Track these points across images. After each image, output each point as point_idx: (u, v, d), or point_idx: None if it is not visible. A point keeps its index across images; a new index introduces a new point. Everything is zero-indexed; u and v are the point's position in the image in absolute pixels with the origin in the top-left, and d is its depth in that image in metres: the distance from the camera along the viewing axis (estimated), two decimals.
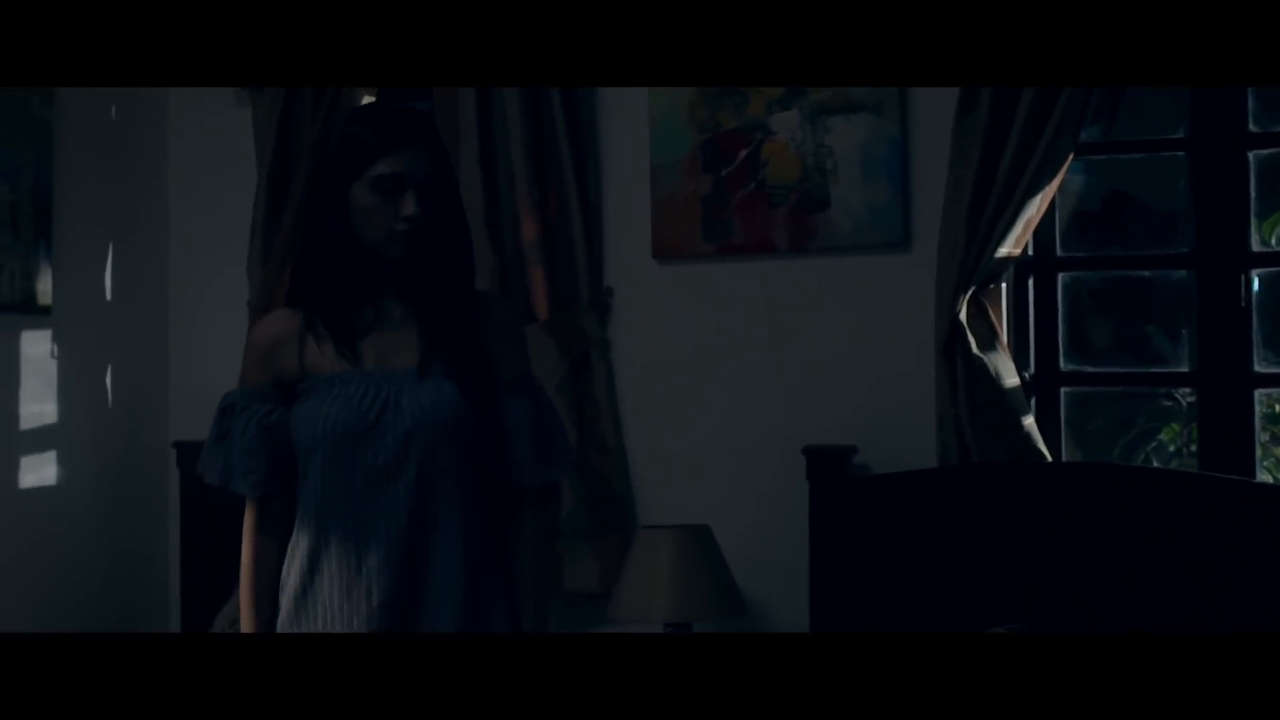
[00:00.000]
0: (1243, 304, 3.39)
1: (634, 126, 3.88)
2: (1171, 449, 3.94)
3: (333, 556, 2.42)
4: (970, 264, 3.38)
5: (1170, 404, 3.85)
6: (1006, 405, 3.38)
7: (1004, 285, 3.53)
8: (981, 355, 3.39)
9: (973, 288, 3.40)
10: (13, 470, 4.01)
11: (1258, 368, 3.41)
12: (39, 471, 4.09)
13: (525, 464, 2.48)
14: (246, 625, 2.53)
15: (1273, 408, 3.89)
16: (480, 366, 2.46)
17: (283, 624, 2.48)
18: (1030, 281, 3.60)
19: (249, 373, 2.54)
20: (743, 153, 3.74)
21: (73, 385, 4.20)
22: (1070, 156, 3.36)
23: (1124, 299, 3.90)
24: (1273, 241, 3.70)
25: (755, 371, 3.77)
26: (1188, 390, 3.62)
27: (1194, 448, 3.63)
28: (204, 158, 4.51)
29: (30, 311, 3.99)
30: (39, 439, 4.10)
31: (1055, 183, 3.37)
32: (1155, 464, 3.77)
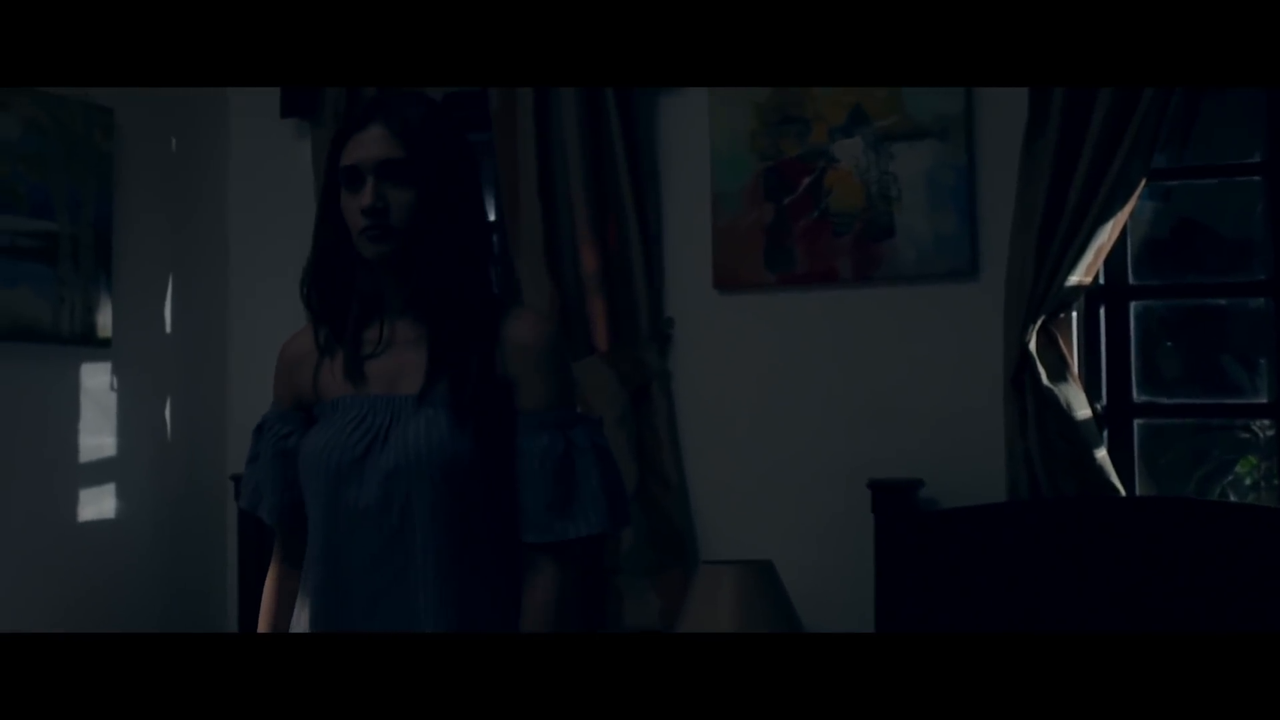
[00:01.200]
0: None
1: (695, 155, 3.83)
2: (1248, 482, 3.84)
3: (316, 607, 2.19)
4: (1040, 293, 3.30)
5: (1247, 436, 3.75)
6: (1078, 438, 3.30)
7: (1074, 314, 3.44)
8: (1052, 386, 3.31)
9: (1042, 317, 3.32)
10: (72, 504, 4.00)
11: None
12: (98, 505, 4.08)
13: (535, 515, 2.12)
14: None
15: None
16: (490, 395, 2.13)
17: None
18: (1102, 311, 3.51)
19: (277, 391, 2.37)
20: (805, 180, 3.68)
21: (132, 418, 4.20)
22: (1143, 182, 3.28)
23: (1196, 329, 3.81)
24: None
25: (819, 403, 3.70)
26: (1266, 422, 3.52)
27: (1274, 481, 3.53)
28: (263, 189, 4.52)
29: (90, 344, 3.99)
30: (98, 472, 4.10)
31: (1127, 209, 3.29)
32: (1232, 498, 3.66)
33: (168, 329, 4.37)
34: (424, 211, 2.13)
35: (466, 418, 2.11)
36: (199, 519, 4.42)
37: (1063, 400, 3.30)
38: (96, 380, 4.07)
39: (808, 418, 3.71)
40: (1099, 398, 3.49)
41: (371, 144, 2.13)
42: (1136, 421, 3.50)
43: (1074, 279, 3.29)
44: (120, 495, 4.15)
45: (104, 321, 4.03)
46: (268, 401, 4.45)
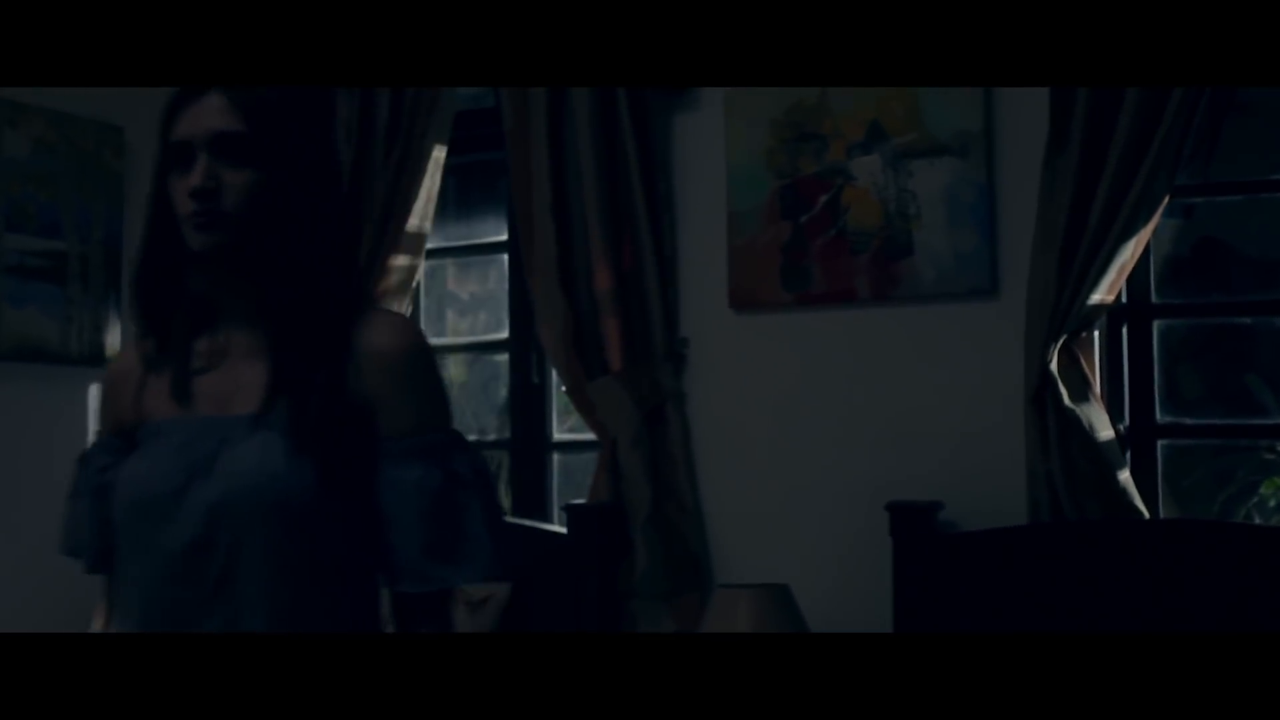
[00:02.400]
0: None
1: (711, 173, 3.79)
2: (1273, 504, 3.77)
3: None
4: (1061, 312, 3.25)
5: (1272, 457, 3.69)
6: (1101, 459, 3.24)
7: (1096, 334, 3.39)
8: (1074, 407, 3.25)
9: (1064, 336, 3.26)
10: None
11: None
12: None
13: (409, 561, 1.78)
14: None
15: None
16: (340, 416, 1.77)
17: None
18: (1124, 330, 3.46)
19: (101, 416, 1.99)
20: (823, 198, 3.63)
21: None
22: (1166, 199, 3.22)
23: (1218, 349, 3.75)
24: None
25: (837, 424, 3.65)
26: None
27: None
28: None
29: (99, 364, 3.95)
30: None
31: (1150, 226, 3.23)
32: (1258, 520, 3.60)
33: None
34: (264, 196, 1.78)
35: (308, 443, 1.75)
36: None
37: (1085, 421, 3.25)
38: None
39: (825, 439, 3.66)
40: (1121, 418, 3.44)
41: (206, 115, 1.78)
42: (1160, 442, 3.44)
43: (1096, 297, 3.24)
44: None
45: (113, 341, 4.00)
46: None
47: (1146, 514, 3.26)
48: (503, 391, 4.39)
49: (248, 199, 1.77)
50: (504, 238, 4.28)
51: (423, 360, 1.85)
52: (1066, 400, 3.25)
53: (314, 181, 1.82)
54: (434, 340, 4.42)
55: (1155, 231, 3.30)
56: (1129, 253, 3.23)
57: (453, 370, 4.62)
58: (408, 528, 1.77)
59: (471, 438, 4.39)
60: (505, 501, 4.36)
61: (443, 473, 1.79)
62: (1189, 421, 3.50)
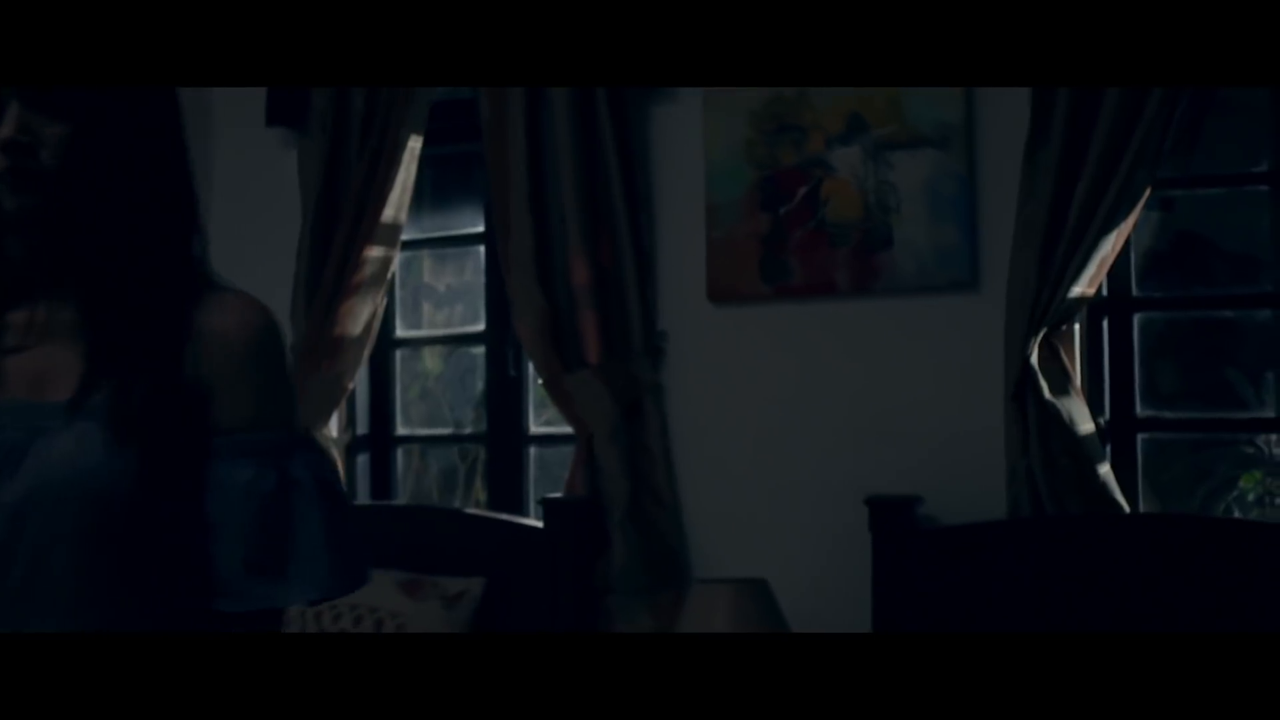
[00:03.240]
0: None
1: (689, 164, 3.76)
2: (1252, 498, 3.76)
3: None
4: (1042, 305, 3.23)
5: (1252, 451, 3.67)
6: (1081, 453, 3.22)
7: (1077, 327, 3.37)
8: (1054, 400, 3.23)
9: (1045, 330, 3.25)
10: None
11: None
12: None
13: (229, 575, 1.53)
14: None
15: None
16: (171, 405, 1.54)
17: None
18: (1105, 323, 3.44)
19: None
20: (802, 190, 3.60)
21: None
22: (1147, 192, 3.21)
23: (1196, 343, 3.73)
24: None
25: (816, 418, 3.62)
26: (1273, 437, 3.46)
27: (1278, 500, 3.46)
28: (247, 200, 4.44)
29: None
30: None
31: (1131, 219, 3.22)
32: (1237, 514, 3.59)
33: None
34: (87, 153, 1.55)
35: (131, 435, 1.51)
36: None
37: (1065, 414, 3.23)
38: None
39: (804, 432, 3.63)
40: (1101, 412, 3.42)
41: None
42: (1140, 436, 3.43)
43: (1077, 290, 3.22)
44: None
45: None
46: None
47: (1126, 508, 3.25)
48: (479, 384, 4.35)
49: (66, 154, 1.54)
50: (481, 230, 4.25)
51: (268, 347, 1.61)
52: (1047, 394, 3.23)
53: (141, 136, 1.61)
54: (410, 333, 4.45)
55: (1135, 225, 3.28)
56: (1110, 246, 3.21)
57: (429, 362, 4.59)
58: (230, 536, 1.53)
59: (447, 431, 4.44)
60: (481, 495, 4.33)
61: (278, 475, 1.55)
62: (1169, 415, 3.48)
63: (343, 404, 4.21)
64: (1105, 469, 3.25)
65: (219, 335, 1.58)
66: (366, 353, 4.19)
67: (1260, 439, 3.57)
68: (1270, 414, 3.42)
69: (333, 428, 4.21)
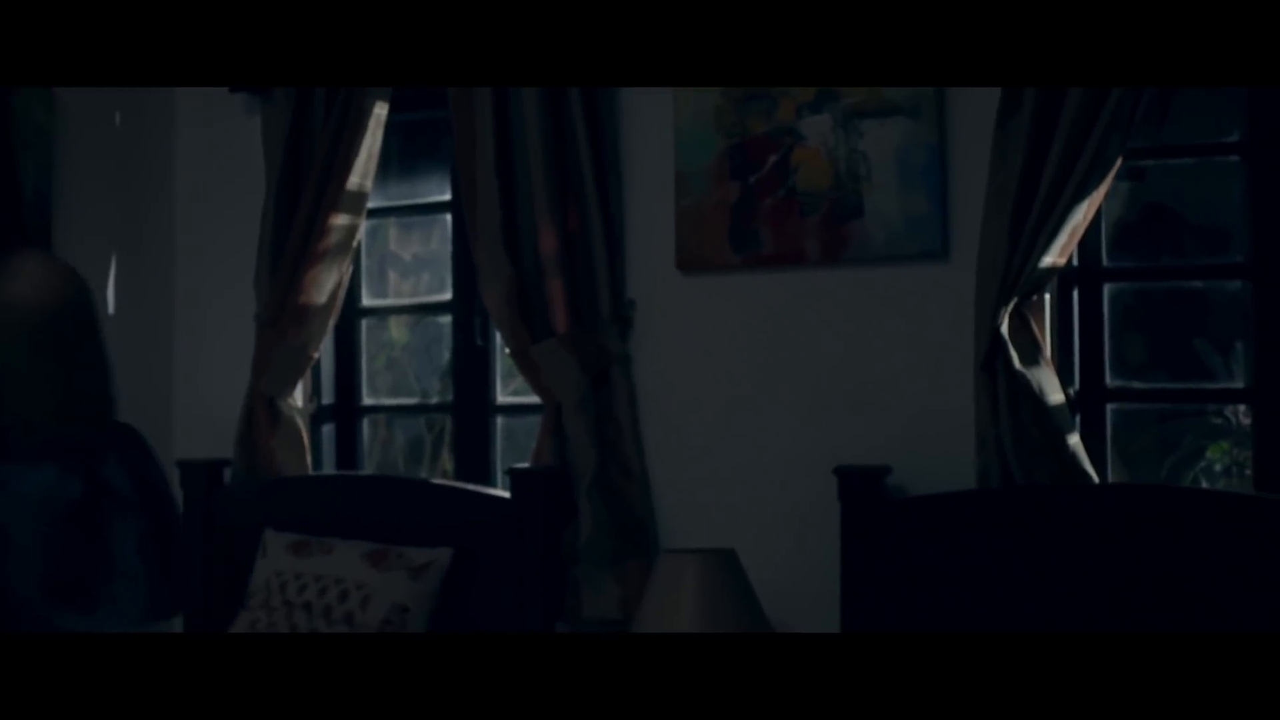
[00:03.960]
0: None
1: (658, 132, 3.73)
2: (1218, 468, 3.76)
3: None
4: (1013, 275, 3.21)
5: (1220, 421, 3.67)
6: (1051, 423, 3.21)
7: (1047, 297, 3.36)
8: (1024, 370, 3.22)
9: (1015, 299, 3.23)
10: None
11: None
12: None
13: (22, 598, 1.30)
14: None
15: None
16: None
17: None
18: (1075, 293, 3.43)
19: None
20: (772, 159, 3.57)
21: None
22: (1119, 161, 3.19)
23: (1164, 314, 3.73)
24: None
25: (785, 388, 3.60)
26: (1242, 407, 3.45)
27: (1247, 470, 3.46)
28: (212, 167, 4.39)
29: None
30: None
31: (1102, 189, 3.20)
32: (1205, 484, 3.59)
33: (111, 310, 4.23)
34: None
35: None
36: None
37: (1035, 385, 3.22)
38: None
39: (773, 402, 3.62)
40: (1071, 382, 3.41)
41: None
42: (1109, 406, 3.42)
43: (1048, 260, 3.20)
44: None
45: None
46: (215, 385, 4.36)
47: (1096, 478, 3.24)
48: (446, 354, 4.32)
49: None
50: (447, 198, 4.21)
51: (74, 323, 1.37)
52: (1017, 364, 3.22)
53: None
54: (376, 302, 4.41)
55: (1106, 195, 3.26)
56: (1081, 215, 3.20)
57: (395, 332, 4.55)
58: (25, 553, 1.29)
59: (413, 401, 4.41)
60: (448, 465, 4.30)
61: (85, 480, 1.32)
62: (1139, 385, 3.48)
63: (308, 373, 4.18)
64: (1075, 439, 3.24)
65: (11, 305, 1.33)
66: (332, 322, 4.15)
67: (1229, 409, 3.57)
68: (1239, 385, 3.42)
69: (297, 397, 4.18)
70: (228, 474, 4.17)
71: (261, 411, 4.12)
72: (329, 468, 4.36)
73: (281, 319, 4.07)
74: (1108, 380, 3.42)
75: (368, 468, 4.42)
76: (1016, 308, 3.24)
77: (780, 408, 3.61)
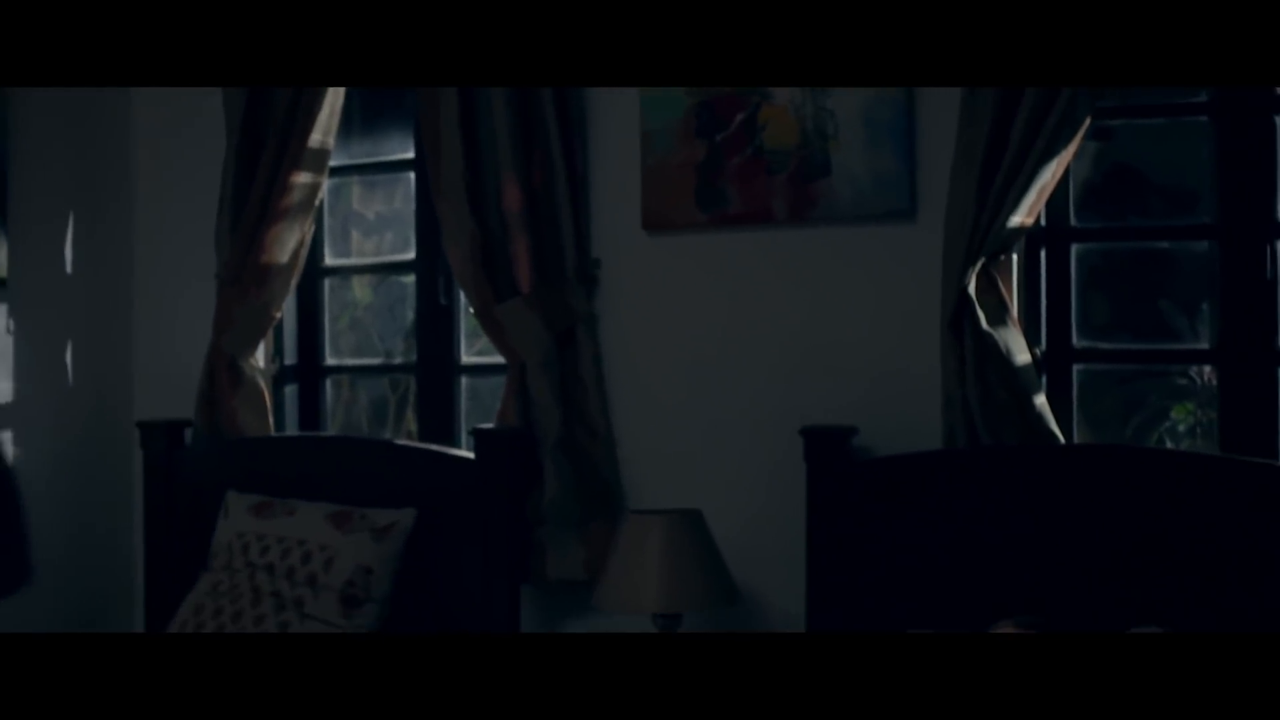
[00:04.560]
0: (1269, 277, 3.22)
1: (624, 89, 3.68)
2: (1182, 429, 3.77)
3: None
4: (980, 234, 3.20)
5: (1184, 382, 3.68)
6: (1017, 384, 3.20)
7: (1015, 257, 3.35)
8: (991, 331, 3.21)
9: (982, 259, 3.21)
10: None
11: None
12: None
13: None
14: None
15: None
16: None
17: None
18: (1043, 253, 3.42)
19: None
20: (739, 117, 3.54)
21: (31, 362, 4.02)
22: (1088, 120, 3.17)
23: (1131, 274, 3.73)
24: None
25: (751, 348, 3.59)
26: (1207, 368, 3.45)
27: (1211, 431, 3.47)
28: (170, 123, 4.33)
29: None
30: None
31: (1071, 148, 3.18)
32: (1169, 445, 3.59)
33: (69, 269, 4.17)
34: None
35: None
36: (103, 467, 4.25)
37: (1002, 345, 3.21)
38: None
39: (739, 363, 3.60)
40: (1038, 342, 3.41)
41: None
42: (1076, 367, 3.42)
43: (1016, 220, 3.19)
44: (19, 442, 3.98)
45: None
46: (175, 345, 4.31)
47: (1062, 439, 3.24)
48: (409, 314, 4.28)
49: None
50: (411, 155, 4.16)
51: None
52: (984, 324, 3.20)
53: None
54: (339, 261, 4.37)
55: (1075, 155, 3.24)
56: (1049, 175, 3.18)
57: (358, 291, 4.51)
58: None
59: (377, 361, 4.38)
60: (412, 426, 4.28)
61: None
62: (1105, 346, 3.47)
63: (270, 333, 4.14)
64: (1041, 400, 3.23)
65: None
66: (294, 281, 4.11)
67: (1193, 370, 3.57)
68: (1205, 345, 3.42)
69: (259, 358, 4.14)
70: (189, 435, 4.13)
71: (223, 372, 4.08)
72: (292, 428, 4.32)
73: (243, 278, 4.03)
74: (1074, 341, 3.41)
75: (331, 428, 4.39)
76: (984, 267, 3.23)
77: (746, 368, 3.59)
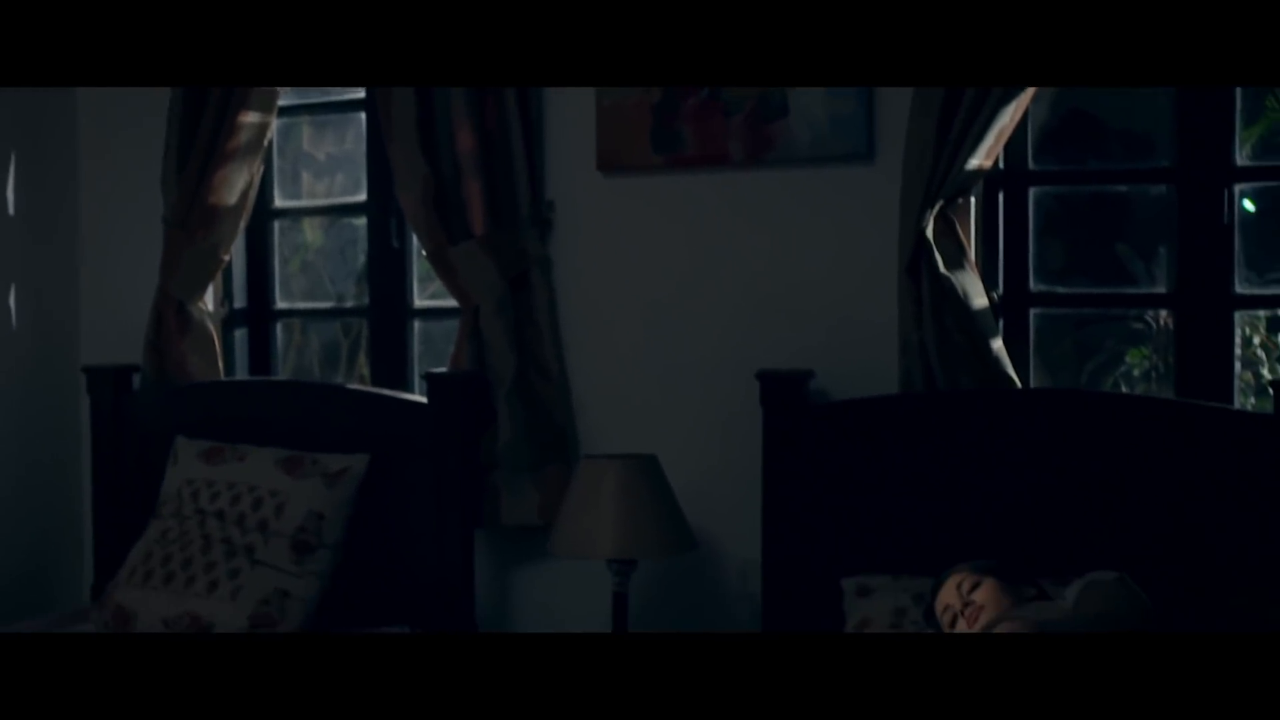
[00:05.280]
0: (1225, 221, 3.21)
1: None
2: (1137, 373, 3.78)
3: None
4: (939, 176, 3.17)
5: (1140, 326, 3.68)
6: (975, 328, 3.19)
7: (973, 200, 3.32)
8: (949, 274, 3.19)
9: (940, 202, 3.19)
10: None
11: (1239, 289, 3.23)
12: None
13: None
14: None
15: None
16: None
17: None
18: (1000, 197, 3.39)
19: None
20: None
21: None
22: None
23: (1088, 218, 3.72)
24: (1248, 151, 3.52)
25: (707, 291, 3.55)
26: (1164, 312, 3.45)
27: (1164, 371, 3.48)
28: None
29: None
30: None
31: (1029, 91, 3.15)
32: (1124, 389, 3.59)
33: (11, 211, 4.09)
34: None
35: None
36: (49, 413, 4.18)
37: (959, 288, 3.19)
38: None
39: (695, 306, 3.56)
40: (995, 286, 3.39)
41: None
42: (1033, 311, 3.40)
43: (974, 163, 3.16)
44: None
45: None
46: (122, 288, 4.23)
47: (1018, 383, 3.23)
48: (361, 257, 4.23)
49: None
50: (362, 95, 4.09)
51: None
52: (941, 267, 3.18)
53: None
54: (289, 203, 4.30)
55: (1034, 97, 3.21)
56: (1008, 118, 3.15)
57: (309, 234, 4.45)
58: None
59: (328, 304, 4.33)
60: (364, 370, 4.23)
61: None
62: (1062, 290, 3.46)
63: (218, 276, 4.07)
64: (998, 344, 3.22)
65: None
66: (243, 223, 4.04)
67: (1149, 314, 3.57)
68: (1162, 289, 3.41)
69: (208, 301, 4.08)
70: (137, 380, 4.07)
71: (171, 316, 4.01)
72: (242, 373, 4.27)
73: (190, 221, 3.96)
74: (1031, 285, 3.40)
75: (282, 373, 4.34)
76: (941, 210, 3.21)
77: (703, 312, 3.56)
